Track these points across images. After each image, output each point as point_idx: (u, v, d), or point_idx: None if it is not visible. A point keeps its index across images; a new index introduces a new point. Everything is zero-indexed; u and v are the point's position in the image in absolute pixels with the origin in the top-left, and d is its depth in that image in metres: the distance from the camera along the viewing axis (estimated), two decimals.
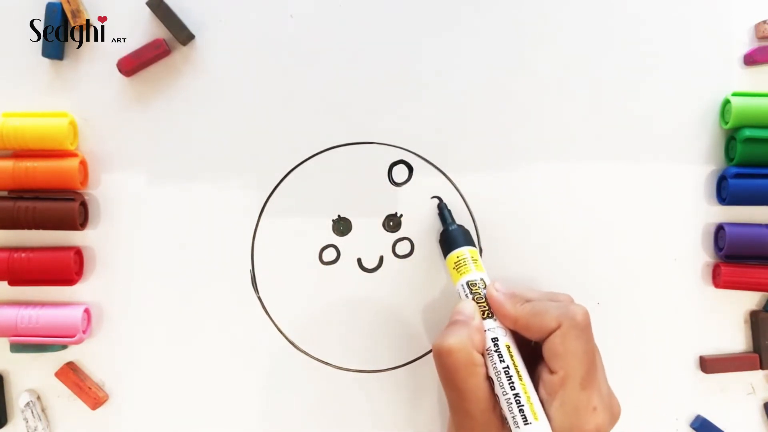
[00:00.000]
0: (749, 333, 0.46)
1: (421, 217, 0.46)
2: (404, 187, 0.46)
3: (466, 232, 0.43)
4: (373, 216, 0.46)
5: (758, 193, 0.44)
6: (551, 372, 0.36)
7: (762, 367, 0.46)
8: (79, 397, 0.45)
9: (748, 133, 0.44)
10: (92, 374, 0.46)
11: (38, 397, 0.46)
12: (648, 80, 0.46)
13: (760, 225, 0.45)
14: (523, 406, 0.36)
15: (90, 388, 0.45)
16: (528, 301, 0.39)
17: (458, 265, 0.41)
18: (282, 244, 0.46)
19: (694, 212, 0.46)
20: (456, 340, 0.37)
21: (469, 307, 0.39)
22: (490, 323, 0.39)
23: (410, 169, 0.46)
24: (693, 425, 0.46)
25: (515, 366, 0.37)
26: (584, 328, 0.37)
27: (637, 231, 0.46)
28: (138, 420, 0.46)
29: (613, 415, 0.37)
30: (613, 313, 0.46)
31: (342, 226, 0.46)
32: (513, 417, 0.36)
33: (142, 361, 0.46)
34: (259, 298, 0.46)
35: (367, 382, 0.46)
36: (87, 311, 0.45)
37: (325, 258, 0.46)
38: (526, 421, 0.35)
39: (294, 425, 0.46)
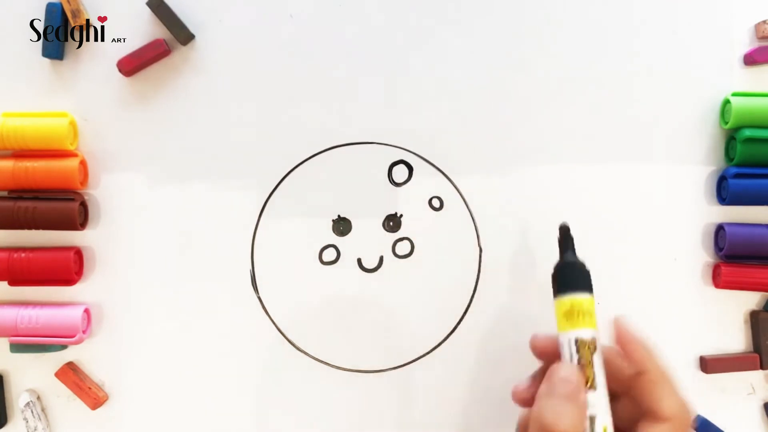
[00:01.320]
0: (749, 333, 0.46)
1: (421, 217, 0.46)
2: (404, 187, 0.46)
3: (588, 274, 0.37)
4: (373, 216, 0.46)
5: (758, 193, 0.44)
6: None
7: (762, 367, 0.46)
8: (79, 397, 0.45)
9: (748, 133, 0.44)
10: (92, 374, 0.46)
11: (38, 397, 0.46)
12: (648, 80, 0.46)
13: (760, 225, 0.45)
14: None
15: (90, 388, 0.45)
16: (645, 371, 0.35)
17: (571, 315, 0.35)
18: (282, 244, 0.46)
19: (694, 212, 0.46)
20: (570, 423, 0.32)
21: (576, 377, 0.34)
22: (591, 397, 0.34)
23: (410, 169, 0.46)
24: (693, 425, 0.46)
25: None
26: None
27: (637, 231, 0.46)
28: (138, 420, 0.46)
29: None
30: (613, 313, 0.46)
31: (342, 226, 0.46)
32: None
33: (142, 361, 0.46)
34: (259, 298, 0.46)
35: (366, 382, 0.46)
36: (87, 311, 0.45)
37: (325, 258, 0.46)
38: None
39: (293, 425, 0.46)
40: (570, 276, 0.37)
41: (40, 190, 0.44)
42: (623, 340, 0.36)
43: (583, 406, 0.34)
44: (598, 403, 0.34)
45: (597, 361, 0.35)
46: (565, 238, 0.38)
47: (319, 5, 0.45)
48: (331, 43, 0.45)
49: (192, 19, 0.45)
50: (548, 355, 0.37)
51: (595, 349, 0.35)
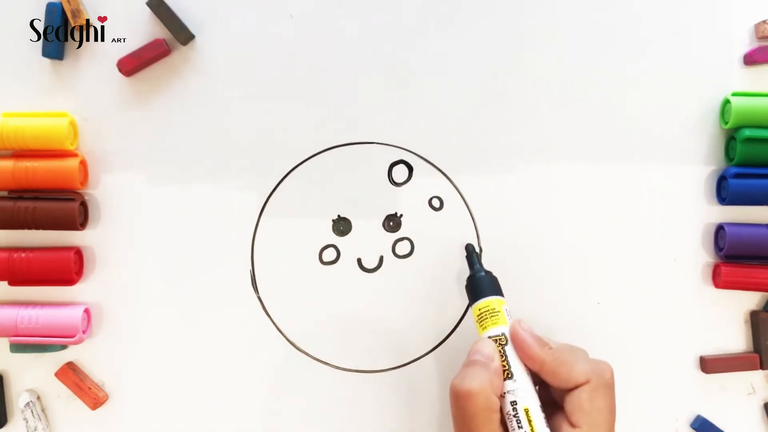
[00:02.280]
0: (749, 333, 0.46)
1: (421, 217, 0.46)
2: (404, 187, 0.46)
3: (494, 280, 0.41)
4: (373, 216, 0.46)
5: (758, 193, 0.44)
6: (572, 425, 0.36)
7: (762, 367, 0.46)
8: (79, 397, 0.45)
9: (748, 133, 0.44)
10: (92, 374, 0.46)
11: (38, 397, 0.46)
12: (648, 80, 0.46)
13: (760, 225, 0.45)
14: None
15: (90, 388, 0.45)
16: (553, 348, 0.38)
17: (482, 317, 0.40)
18: (282, 244, 0.46)
19: (694, 212, 0.46)
20: (476, 383, 0.36)
21: (489, 348, 0.38)
22: (509, 385, 0.37)
23: (410, 169, 0.46)
24: (693, 425, 0.46)
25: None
26: (611, 387, 0.37)
27: (637, 231, 0.46)
28: (138, 420, 0.46)
29: None
30: (613, 313, 0.46)
31: (342, 226, 0.46)
32: None
33: (142, 361, 0.46)
34: (259, 298, 0.46)
35: (366, 382, 0.46)
36: (87, 311, 0.45)
37: (325, 258, 0.46)
38: None
39: (293, 425, 0.46)
40: (475, 286, 0.41)
41: (40, 190, 0.44)
42: (517, 345, 0.38)
43: (495, 371, 0.37)
44: (518, 388, 0.37)
45: (509, 352, 0.38)
46: (470, 255, 0.43)
47: (319, 5, 0.45)
48: (331, 43, 0.45)
49: (192, 19, 0.45)
50: None
51: (506, 342, 0.38)
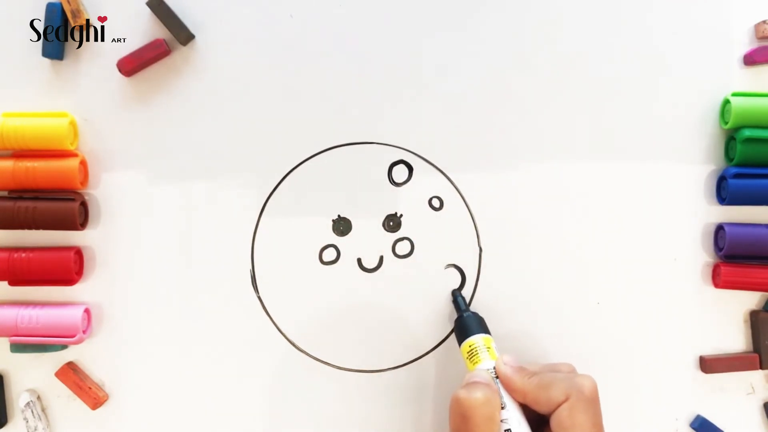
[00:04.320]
0: (749, 333, 0.46)
1: (421, 217, 0.46)
2: (404, 187, 0.46)
3: (480, 320, 0.43)
4: (373, 216, 0.46)
5: (758, 193, 0.44)
6: None
7: (762, 367, 0.46)
8: (79, 397, 0.45)
9: (747, 133, 0.44)
10: (92, 374, 0.46)
11: (38, 397, 0.46)
12: (648, 80, 0.46)
13: (760, 225, 0.45)
14: None
15: (90, 388, 0.45)
16: (535, 374, 0.39)
17: (471, 354, 0.41)
18: (282, 244, 0.46)
19: (694, 212, 0.46)
20: (482, 395, 0.37)
21: (486, 375, 0.39)
22: (503, 414, 0.38)
23: (410, 169, 0.46)
24: (693, 425, 0.46)
25: None
26: (592, 401, 0.37)
27: (637, 231, 0.46)
28: (138, 420, 0.46)
29: None
30: (612, 313, 0.46)
31: (342, 226, 0.46)
32: None
33: (142, 361, 0.46)
34: (259, 298, 0.46)
35: (367, 382, 0.46)
36: (87, 311, 0.45)
37: (325, 258, 0.46)
38: None
39: (293, 424, 0.46)
40: (462, 326, 0.43)
41: (40, 190, 0.44)
42: (501, 380, 0.39)
43: (495, 392, 0.38)
44: (510, 417, 0.38)
45: (499, 384, 0.39)
46: (456, 300, 0.45)
47: (319, 5, 0.45)
48: (331, 43, 0.45)
49: (192, 19, 0.45)
50: None
51: (496, 376, 0.39)
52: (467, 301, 0.45)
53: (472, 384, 0.38)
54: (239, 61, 0.45)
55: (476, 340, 0.41)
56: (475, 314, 0.43)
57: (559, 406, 0.37)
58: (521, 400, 0.38)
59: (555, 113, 0.46)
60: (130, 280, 0.46)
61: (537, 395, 0.38)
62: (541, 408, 0.38)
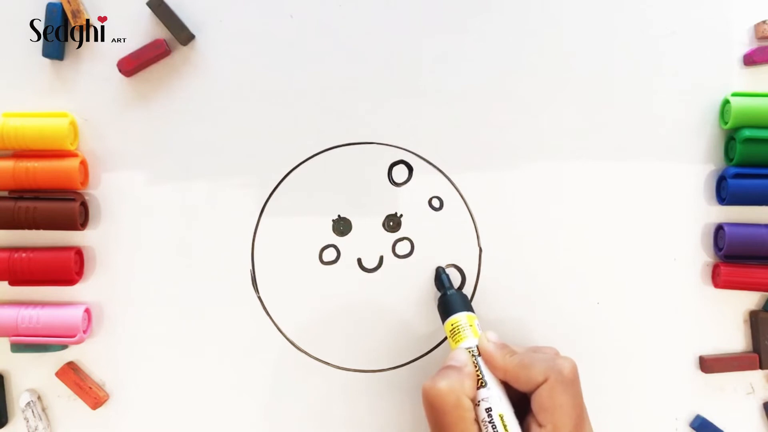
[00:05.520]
0: (749, 333, 0.46)
1: (421, 217, 0.46)
2: (404, 187, 0.46)
3: (464, 297, 0.43)
4: (373, 216, 0.46)
5: (758, 193, 0.44)
6: (539, 425, 0.37)
7: (762, 367, 0.46)
8: (80, 396, 0.45)
9: (747, 133, 0.44)
10: (92, 374, 0.46)
11: (39, 397, 0.46)
12: (648, 80, 0.46)
13: (759, 225, 0.45)
14: None
15: (90, 388, 0.45)
16: (516, 353, 0.39)
17: (454, 332, 0.41)
18: (282, 244, 0.46)
19: (694, 212, 0.46)
20: (446, 383, 0.37)
21: (462, 355, 0.40)
22: (483, 392, 0.38)
23: (410, 169, 0.46)
24: (693, 425, 0.47)
25: None
26: (571, 382, 0.37)
27: (637, 231, 0.46)
28: (138, 420, 0.46)
29: None
30: (612, 313, 0.46)
31: (342, 226, 0.46)
32: None
33: (142, 361, 0.46)
34: (260, 298, 0.46)
35: (367, 382, 0.46)
36: (87, 311, 0.46)
37: (325, 258, 0.46)
38: None
39: (294, 424, 0.46)
40: (445, 304, 0.43)
41: (40, 190, 0.44)
42: (484, 356, 0.39)
43: (467, 375, 0.38)
44: (491, 395, 0.38)
45: (480, 362, 0.39)
46: (439, 277, 0.45)
47: (319, 5, 0.45)
48: (331, 43, 0.45)
49: (192, 19, 0.45)
50: None
51: (478, 353, 0.40)
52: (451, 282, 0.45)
53: (439, 373, 0.38)
54: (239, 61, 0.45)
55: (459, 317, 0.42)
56: (459, 292, 0.44)
57: (539, 386, 0.37)
58: (502, 377, 0.39)
59: (555, 113, 0.46)
60: (130, 280, 0.46)
61: (517, 374, 0.38)
62: (521, 387, 0.38)
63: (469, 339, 0.41)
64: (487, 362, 0.39)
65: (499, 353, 0.39)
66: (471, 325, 0.41)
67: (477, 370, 0.39)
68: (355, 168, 0.46)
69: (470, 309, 0.43)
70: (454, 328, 0.41)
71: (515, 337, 0.46)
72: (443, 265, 0.45)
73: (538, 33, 0.45)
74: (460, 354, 0.40)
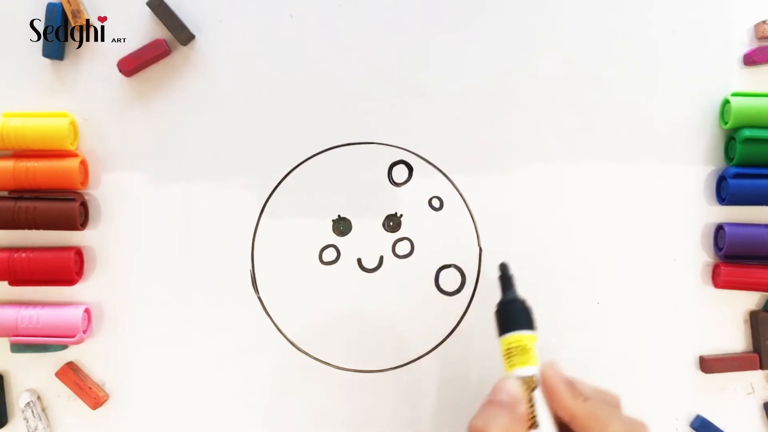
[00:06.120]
0: (749, 333, 0.46)
1: (421, 217, 0.46)
2: (404, 187, 0.46)
3: (529, 312, 0.38)
4: (373, 216, 0.46)
5: (758, 193, 0.44)
6: None
7: (762, 367, 0.46)
8: (80, 397, 0.45)
9: (747, 133, 0.44)
10: (92, 374, 0.46)
11: (38, 397, 0.46)
12: (648, 80, 0.46)
13: (759, 225, 0.45)
14: None
15: (90, 388, 0.45)
16: (588, 398, 0.34)
17: (510, 354, 0.36)
18: (282, 244, 0.46)
19: (694, 212, 0.46)
20: (498, 428, 0.32)
21: (516, 390, 0.35)
22: None
23: (410, 169, 0.46)
24: (693, 425, 0.46)
25: None
26: None
27: (637, 231, 0.46)
28: (138, 420, 0.46)
29: None
30: (613, 313, 0.46)
31: (342, 226, 0.46)
32: None
33: (142, 361, 0.46)
34: (259, 298, 0.46)
35: (367, 382, 0.46)
36: (87, 311, 0.46)
37: (325, 258, 0.46)
38: None
39: (294, 424, 0.46)
40: (509, 315, 0.38)
41: (40, 190, 0.44)
42: (548, 391, 0.35)
43: (520, 418, 0.34)
44: None
45: (538, 397, 0.35)
46: (505, 276, 0.39)
47: (319, 5, 0.45)
48: (331, 43, 0.45)
49: (192, 19, 0.45)
50: None
51: (535, 386, 0.35)
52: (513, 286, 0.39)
53: (490, 408, 0.34)
54: (239, 61, 0.45)
55: (519, 337, 0.36)
56: (524, 302, 0.38)
57: None
58: (566, 420, 0.34)
59: (554, 113, 0.46)
60: (130, 280, 0.46)
61: (587, 425, 0.33)
62: None
63: (529, 366, 0.36)
64: (552, 400, 0.34)
65: (569, 393, 0.34)
66: (531, 350, 0.36)
67: (531, 407, 0.34)
68: (355, 168, 0.46)
69: (533, 327, 0.37)
70: (512, 348, 0.36)
71: None
72: (445, 264, 0.44)
73: (539, 33, 0.45)
74: (512, 387, 0.35)
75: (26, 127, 0.43)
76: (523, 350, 0.36)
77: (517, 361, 0.36)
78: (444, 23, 0.45)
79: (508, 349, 0.37)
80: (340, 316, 0.46)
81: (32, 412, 0.46)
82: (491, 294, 0.46)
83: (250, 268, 0.46)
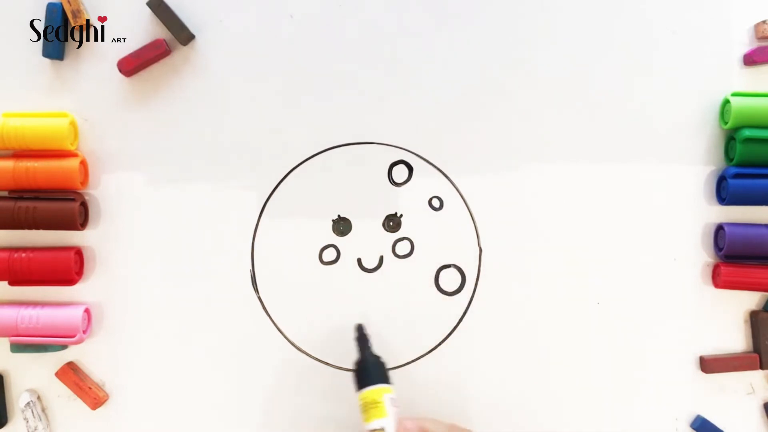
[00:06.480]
0: (749, 333, 0.46)
1: (421, 217, 0.46)
2: (404, 187, 0.46)
3: (381, 366, 0.42)
4: (373, 216, 0.46)
5: (758, 193, 0.44)
6: None
7: (762, 367, 0.46)
8: (79, 396, 0.45)
9: (747, 133, 0.44)
10: (92, 374, 0.46)
11: (38, 397, 0.46)
12: (648, 81, 0.46)
13: (759, 225, 0.45)
14: None
15: (90, 388, 0.45)
16: None
17: (366, 408, 0.40)
18: (282, 244, 0.46)
19: (694, 212, 0.46)
20: None
21: None
22: None
23: (410, 169, 0.46)
24: (693, 425, 0.46)
25: None
26: None
27: (637, 231, 0.46)
28: (138, 420, 0.46)
29: None
30: (613, 313, 0.46)
31: (342, 226, 0.46)
32: None
33: (142, 361, 0.46)
34: (259, 298, 0.46)
35: None
36: (87, 311, 0.45)
37: (325, 258, 0.46)
38: None
39: (293, 424, 0.46)
40: (362, 372, 0.42)
41: (40, 190, 0.44)
42: None
43: None
44: None
45: None
46: (361, 336, 0.43)
47: (319, 5, 0.45)
48: (331, 43, 0.45)
49: (192, 19, 0.45)
50: None
51: None
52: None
53: None
54: (239, 61, 0.45)
55: (369, 392, 0.41)
56: (376, 358, 0.42)
57: None
58: None
59: (555, 114, 0.46)
60: (130, 280, 0.46)
61: None
62: None
63: (376, 420, 0.40)
64: None
65: None
66: (380, 402, 0.40)
67: None
68: (355, 168, 0.46)
69: (386, 380, 0.41)
70: (365, 404, 0.40)
71: (516, 337, 0.46)
72: (445, 264, 0.45)
73: (539, 34, 0.45)
74: None
75: (26, 127, 0.43)
76: (374, 404, 0.40)
77: (370, 414, 0.40)
78: (444, 24, 0.45)
79: (362, 404, 0.41)
80: (340, 316, 0.46)
81: (32, 412, 0.46)
82: (491, 294, 0.46)
83: (250, 268, 0.46)
